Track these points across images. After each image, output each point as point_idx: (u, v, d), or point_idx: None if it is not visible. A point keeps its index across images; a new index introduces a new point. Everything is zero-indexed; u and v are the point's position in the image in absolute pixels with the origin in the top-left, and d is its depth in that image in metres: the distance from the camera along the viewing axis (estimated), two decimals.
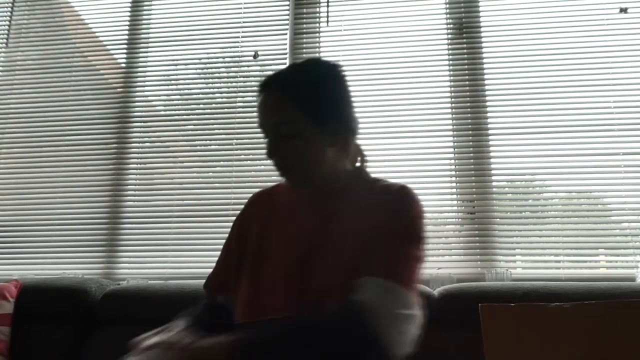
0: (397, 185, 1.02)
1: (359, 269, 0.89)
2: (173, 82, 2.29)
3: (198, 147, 2.18)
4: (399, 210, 0.96)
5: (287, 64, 1.02)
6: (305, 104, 0.95)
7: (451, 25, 2.09)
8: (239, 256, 1.06)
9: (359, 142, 1.06)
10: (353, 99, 1.02)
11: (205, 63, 2.28)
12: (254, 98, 2.19)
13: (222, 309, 1.05)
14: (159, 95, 2.28)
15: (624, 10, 1.97)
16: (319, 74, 1.00)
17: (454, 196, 1.94)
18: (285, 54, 2.19)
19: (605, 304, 1.03)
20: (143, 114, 2.23)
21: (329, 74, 1.01)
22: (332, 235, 0.97)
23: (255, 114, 1.02)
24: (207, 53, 2.27)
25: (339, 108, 1.00)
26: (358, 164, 1.08)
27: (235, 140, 2.13)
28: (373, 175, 1.07)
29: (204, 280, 1.13)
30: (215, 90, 2.29)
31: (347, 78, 1.02)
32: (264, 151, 0.98)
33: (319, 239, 0.97)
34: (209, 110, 2.21)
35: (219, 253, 1.99)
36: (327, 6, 2.18)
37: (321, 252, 0.96)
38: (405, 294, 0.88)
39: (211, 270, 1.14)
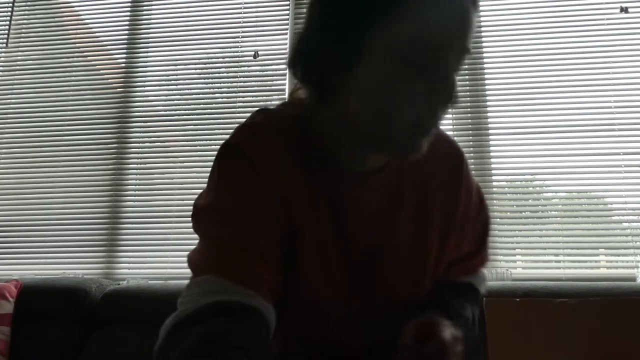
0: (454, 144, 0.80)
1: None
2: (173, 82, 2.29)
3: (198, 147, 2.18)
4: (471, 189, 0.78)
5: None
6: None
7: None
8: (284, 238, 0.65)
9: None
10: None
11: (205, 63, 2.28)
12: (252, 95, 2.19)
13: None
14: (159, 95, 2.28)
15: (624, 10, 1.97)
16: None
17: None
18: (285, 54, 2.19)
19: (609, 301, 1.04)
20: (143, 114, 2.23)
21: None
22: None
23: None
24: (207, 53, 2.27)
25: None
26: None
27: None
28: None
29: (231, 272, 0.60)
30: (215, 90, 2.29)
31: None
32: (434, 90, 0.58)
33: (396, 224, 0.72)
34: (209, 110, 2.21)
35: None
36: None
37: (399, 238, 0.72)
38: None
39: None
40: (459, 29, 0.57)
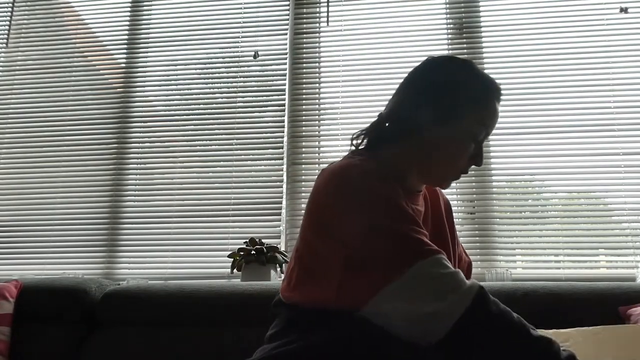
0: None
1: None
2: (173, 82, 2.29)
3: (198, 147, 2.18)
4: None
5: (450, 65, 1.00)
6: None
7: (451, 25, 2.09)
8: None
9: None
10: None
11: (205, 63, 2.28)
12: (257, 103, 2.19)
13: None
14: (159, 95, 2.28)
15: (624, 10, 1.97)
16: None
17: (454, 196, 1.94)
18: (285, 54, 2.19)
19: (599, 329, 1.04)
20: (143, 114, 2.23)
21: None
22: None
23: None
24: (207, 53, 2.27)
25: None
26: None
27: (235, 140, 2.14)
28: None
29: (425, 247, 0.79)
30: (215, 90, 2.29)
31: None
32: (473, 158, 0.94)
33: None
34: (209, 110, 2.21)
35: (218, 253, 2.00)
36: (327, 6, 2.18)
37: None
38: None
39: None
40: (496, 123, 0.96)
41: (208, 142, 2.18)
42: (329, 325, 0.82)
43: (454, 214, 1.95)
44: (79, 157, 2.20)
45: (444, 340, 0.72)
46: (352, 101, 2.09)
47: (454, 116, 0.91)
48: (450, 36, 2.08)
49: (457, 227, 1.89)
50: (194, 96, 2.27)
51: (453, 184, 1.96)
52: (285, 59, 2.18)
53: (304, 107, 2.12)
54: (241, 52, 2.23)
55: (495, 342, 0.72)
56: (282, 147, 2.10)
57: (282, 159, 2.09)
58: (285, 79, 2.16)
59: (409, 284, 0.75)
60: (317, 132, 2.11)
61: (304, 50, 2.17)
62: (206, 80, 2.31)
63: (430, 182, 1.01)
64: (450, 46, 2.07)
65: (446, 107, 0.92)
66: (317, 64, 2.16)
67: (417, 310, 0.74)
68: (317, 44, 2.18)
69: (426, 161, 0.95)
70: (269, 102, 2.17)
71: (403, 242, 0.79)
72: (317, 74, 2.15)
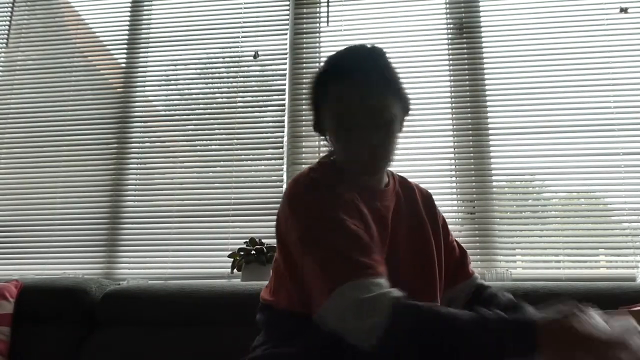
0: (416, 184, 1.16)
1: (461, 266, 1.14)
2: (173, 82, 2.29)
3: (198, 147, 2.18)
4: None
5: (341, 50, 1.07)
6: (394, 89, 0.96)
7: (451, 25, 2.09)
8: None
9: None
10: None
11: (205, 63, 2.28)
12: (251, 97, 2.19)
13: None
14: (159, 95, 2.28)
15: (624, 10, 1.97)
16: (388, 60, 1.00)
17: (454, 196, 1.94)
18: (285, 54, 2.19)
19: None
20: (143, 114, 2.23)
21: (390, 60, 1.01)
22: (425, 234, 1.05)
23: (332, 104, 0.97)
24: (207, 53, 2.27)
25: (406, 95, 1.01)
26: None
27: (235, 140, 2.14)
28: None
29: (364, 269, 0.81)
30: (215, 90, 2.29)
31: None
32: (353, 139, 0.93)
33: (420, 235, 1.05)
34: (209, 110, 2.21)
35: (218, 253, 2.00)
36: (327, 6, 2.18)
37: (425, 249, 1.03)
38: None
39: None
40: (359, 108, 0.92)
41: (208, 142, 2.18)
42: (305, 332, 0.85)
43: (454, 214, 1.96)
44: (79, 157, 2.20)
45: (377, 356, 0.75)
46: None
47: (319, 114, 1.00)
48: (450, 36, 2.08)
49: (457, 227, 1.92)
50: (194, 96, 2.27)
51: (453, 184, 1.95)
52: (285, 59, 2.18)
53: (304, 107, 2.12)
54: (241, 52, 2.23)
55: (423, 352, 0.74)
56: (282, 147, 2.10)
57: (282, 159, 2.09)
58: (285, 79, 2.16)
59: (336, 306, 0.78)
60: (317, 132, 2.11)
61: (304, 50, 2.17)
62: (206, 80, 2.31)
63: (356, 172, 0.98)
64: (450, 46, 2.07)
65: (314, 107, 1.01)
66: (317, 64, 2.16)
67: (346, 329, 0.77)
68: (317, 44, 2.18)
69: (342, 163, 0.98)
70: (269, 102, 2.17)
71: (332, 261, 0.82)
72: None
